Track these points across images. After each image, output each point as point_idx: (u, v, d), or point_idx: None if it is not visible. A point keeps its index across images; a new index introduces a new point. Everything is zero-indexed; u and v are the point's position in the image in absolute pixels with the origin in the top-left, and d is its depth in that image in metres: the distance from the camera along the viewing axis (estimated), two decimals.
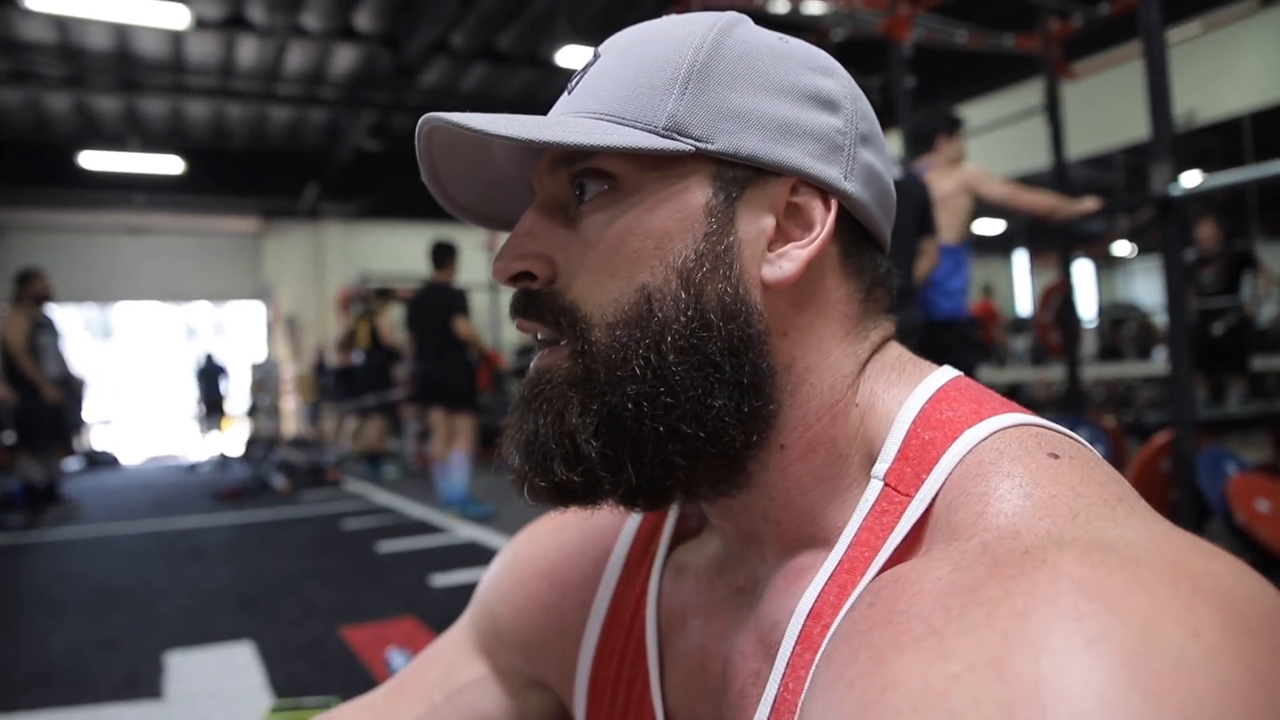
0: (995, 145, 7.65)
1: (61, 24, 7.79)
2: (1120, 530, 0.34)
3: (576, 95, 0.49)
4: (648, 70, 0.47)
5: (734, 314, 0.46)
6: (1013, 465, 0.40)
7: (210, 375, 10.59)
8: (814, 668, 0.39)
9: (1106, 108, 7.22)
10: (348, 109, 10.03)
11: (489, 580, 0.69)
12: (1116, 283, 11.84)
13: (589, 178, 0.47)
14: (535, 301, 0.49)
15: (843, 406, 0.48)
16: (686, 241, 0.46)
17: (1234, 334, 5.62)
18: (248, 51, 8.78)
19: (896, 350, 0.51)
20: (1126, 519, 0.36)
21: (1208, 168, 7.50)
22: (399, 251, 12.69)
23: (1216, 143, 8.00)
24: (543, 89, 9.82)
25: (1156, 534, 0.34)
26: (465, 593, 3.68)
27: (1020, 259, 11.35)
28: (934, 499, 0.41)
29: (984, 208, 3.65)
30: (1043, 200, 3.36)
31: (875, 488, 0.45)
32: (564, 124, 0.46)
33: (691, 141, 0.46)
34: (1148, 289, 11.77)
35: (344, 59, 9.10)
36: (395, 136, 10.94)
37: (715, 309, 0.45)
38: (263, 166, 11.50)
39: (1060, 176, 4.40)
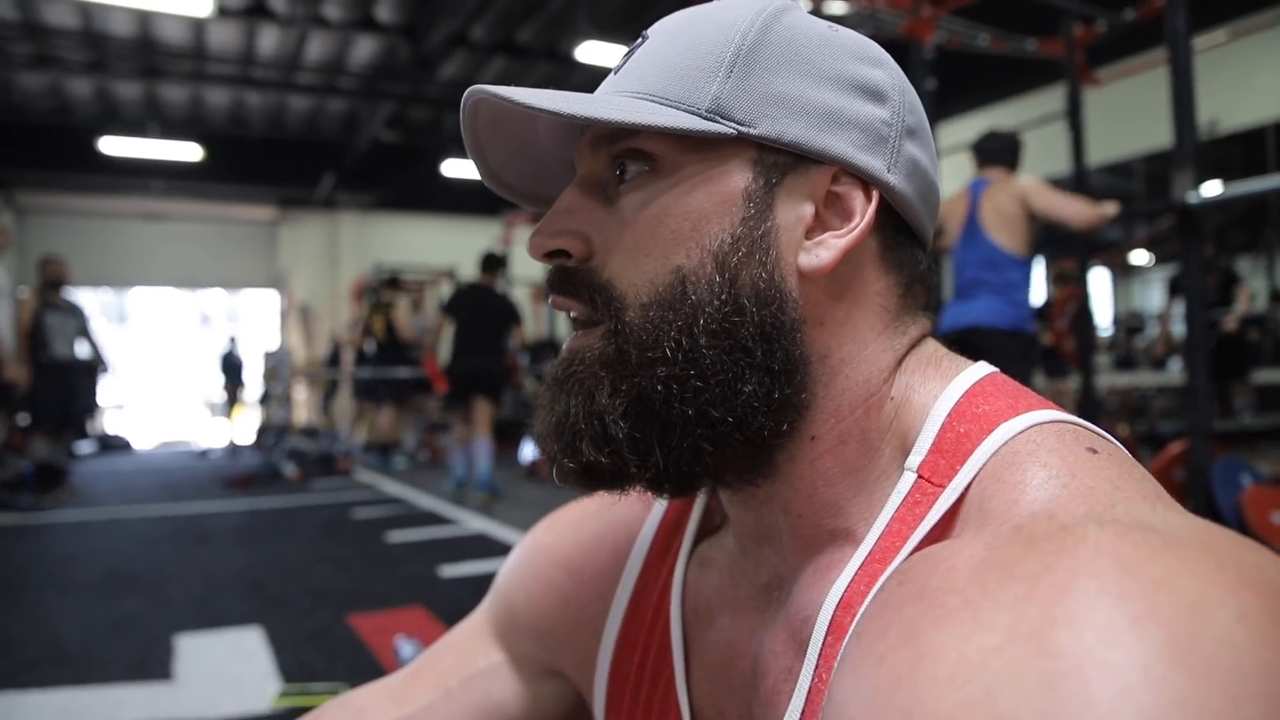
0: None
1: (84, 9, 7.83)
2: (1161, 518, 0.34)
3: (622, 75, 0.49)
4: (694, 53, 0.47)
5: (768, 300, 0.45)
6: (1050, 457, 0.40)
7: (233, 363, 10.64)
8: (843, 648, 0.39)
9: (1128, 115, 7.18)
10: (366, 100, 10.06)
11: (507, 569, 0.69)
12: (1134, 292, 11.76)
13: (630, 158, 0.47)
14: (571, 279, 0.49)
15: (877, 400, 0.47)
16: (724, 225, 0.46)
17: (1232, 343, 5.68)
18: (268, 40, 8.81)
19: (933, 346, 0.51)
20: (1166, 511, 0.35)
21: (1229, 178, 7.44)
22: (413, 243, 12.73)
23: (1239, 152, 7.95)
24: (562, 84, 9.82)
25: (1197, 523, 0.33)
26: (474, 584, 3.71)
27: (1038, 267, 11.30)
28: (967, 488, 0.41)
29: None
30: (1087, 212, 3.34)
31: (908, 479, 0.44)
32: (607, 102, 0.46)
33: (734, 125, 0.46)
34: (1164, 299, 11.67)
35: (364, 50, 9.12)
36: (413, 128, 10.97)
37: (749, 294, 0.45)
38: (280, 155, 11.54)
39: (1080, 183, 4.37)
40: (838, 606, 0.43)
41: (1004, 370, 0.50)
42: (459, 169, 10.87)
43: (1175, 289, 6.69)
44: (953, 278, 3.70)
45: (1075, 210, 3.34)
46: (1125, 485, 0.37)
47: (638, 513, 0.63)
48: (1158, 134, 3.89)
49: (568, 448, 0.47)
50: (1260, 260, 10.55)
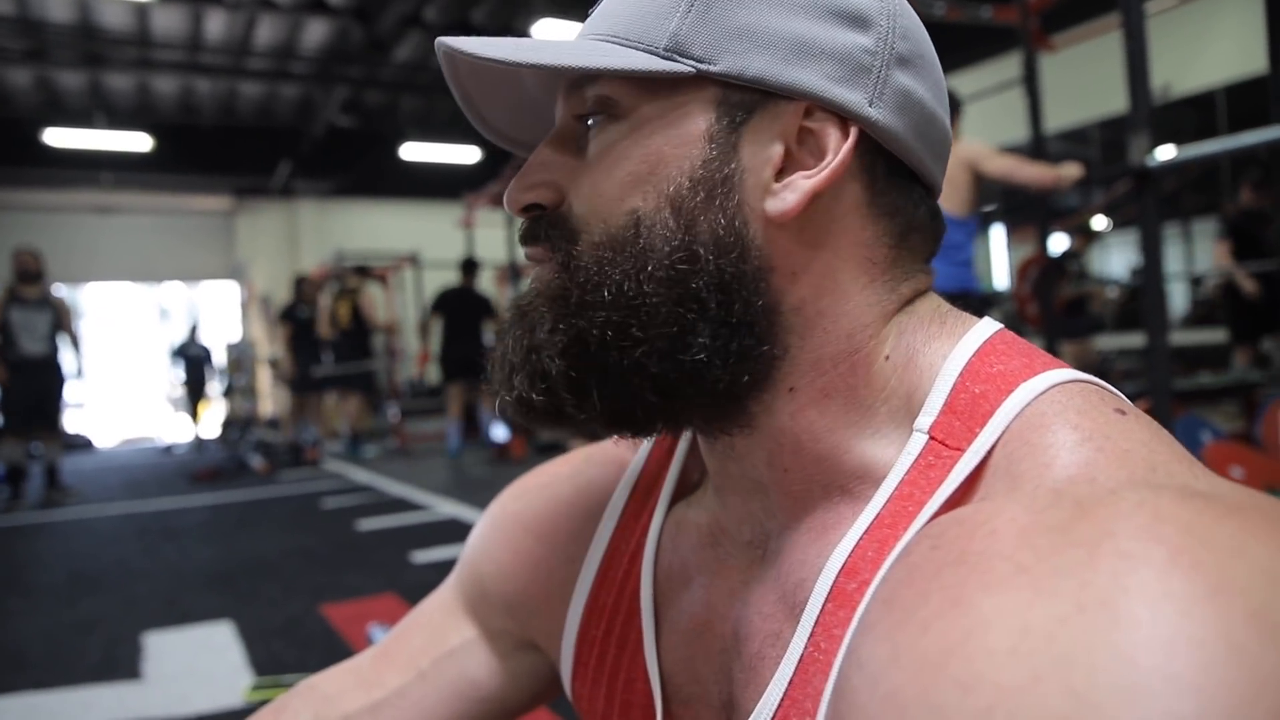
0: (975, 117, 7.65)
1: None
2: (1207, 484, 0.32)
3: (594, 16, 0.47)
4: None
5: (726, 248, 0.43)
6: (1079, 418, 0.37)
7: (194, 355, 10.37)
8: (859, 617, 0.37)
9: (1082, 81, 7.24)
10: (320, 84, 9.87)
11: (474, 538, 0.66)
12: (1093, 256, 11.93)
13: (595, 103, 0.45)
14: (538, 224, 0.47)
15: (863, 357, 0.44)
16: (682, 168, 0.43)
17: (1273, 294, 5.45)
18: (216, 25, 8.60)
19: (934, 302, 0.48)
20: (1206, 475, 0.34)
21: (1182, 142, 7.55)
22: (374, 230, 12.54)
23: (1191, 116, 8.06)
24: None
25: (1242, 489, 0.32)
26: (446, 569, 3.64)
27: (997, 233, 11.41)
28: (989, 452, 0.39)
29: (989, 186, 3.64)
30: (1045, 173, 3.34)
31: (919, 441, 0.42)
32: (557, 47, 0.44)
33: (692, 63, 0.43)
34: (1122, 263, 11.87)
35: (315, 33, 8.94)
36: (369, 113, 10.80)
37: (707, 241, 0.43)
38: (233, 143, 11.30)
39: (1038, 150, 4.40)
40: (840, 571, 0.41)
41: None
42: (418, 152, 10.73)
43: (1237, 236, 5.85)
44: None
45: (1034, 173, 3.35)
46: (1160, 449, 0.36)
47: (611, 475, 0.60)
48: (1113, 100, 3.93)
49: (506, 381, 0.46)
50: (1215, 223, 10.73)
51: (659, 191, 0.43)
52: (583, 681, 0.56)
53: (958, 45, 7.40)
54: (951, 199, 3.50)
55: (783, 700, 0.41)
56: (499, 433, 7.41)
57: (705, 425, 0.47)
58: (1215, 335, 7.09)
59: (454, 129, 10.60)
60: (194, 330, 9.63)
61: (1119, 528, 0.29)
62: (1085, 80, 7.16)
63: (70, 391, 6.47)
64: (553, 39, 0.45)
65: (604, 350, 0.43)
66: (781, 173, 0.44)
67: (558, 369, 0.44)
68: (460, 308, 7.21)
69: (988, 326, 0.45)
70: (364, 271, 8.99)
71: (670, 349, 0.43)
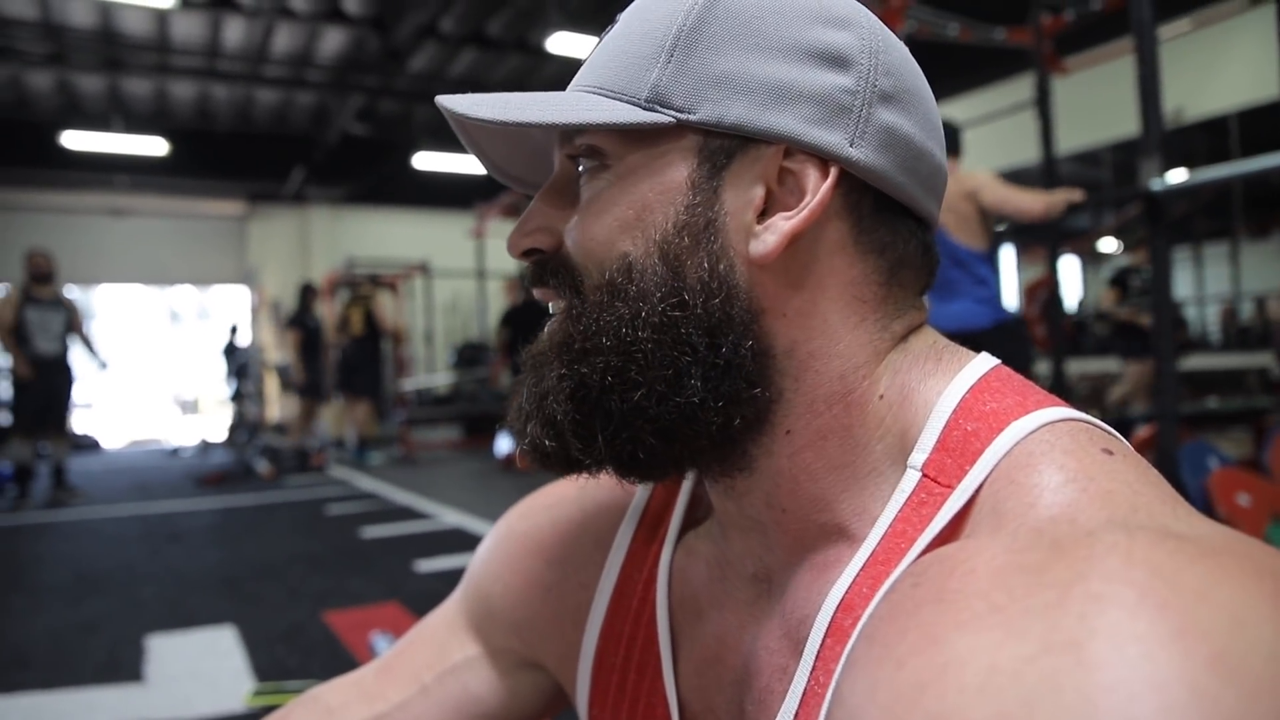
0: (987, 139, 7.66)
1: (43, 0, 7.68)
2: (1186, 525, 0.33)
3: (584, 68, 0.48)
4: (639, 38, 0.46)
5: (712, 291, 0.44)
6: (1065, 458, 0.38)
7: (236, 354, 10.21)
8: (847, 653, 0.38)
9: (1096, 104, 7.25)
10: (335, 92, 9.94)
11: (481, 557, 0.67)
12: (1103, 279, 11.90)
13: (585, 154, 0.47)
14: (543, 267, 0.49)
15: (858, 397, 0.45)
16: (668, 214, 0.44)
17: None
18: (234, 32, 8.67)
19: (930, 338, 0.48)
20: (1188, 517, 0.34)
21: (1194, 166, 7.55)
22: (386, 237, 12.60)
23: (1204, 141, 8.06)
24: (532, 75, 9.75)
25: (1221, 530, 0.33)
26: (450, 578, 3.67)
27: (1007, 254, 11.40)
28: (978, 490, 0.39)
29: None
30: (1034, 203, 3.33)
31: (912, 478, 0.42)
32: (544, 102, 0.45)
33: (672, 113, 0.44)
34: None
35: (332, 42, 9.00)
36: (383, 121, 10.86)
37: (693, 286, 0.44)
38: (248, 149, 11.37)
39: (1049, 172, 4.41)
40: (838, 608, 0.42)
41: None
42: (430, 162, 10.78)
43: None
44: None
45: (1025, 202, 3.35)
46: (1144, 490, 0.36)
47: (617, 498, 0.61)
48: (1125, 123, 3.93)
49: (521, 428, 0.48)
50: (1226, 248, 10.71)
51: (647, 238, 0.45)
52: (601, 706, 0.57)
53: (971, 66, 7.42)
54: (965, 232, 3.50)
55: None
56: (504, 444, 7.42)
57: (706, 468, 0.48)
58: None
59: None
60: (234, 331, 9.52)
61: (1091, 569, 0.30)
62: (1098, 103, 7.17)
63: (79, 392, 6.51)
64: (544, 94, 0.47)
65: (606, 395, 0.45)
66: (763, 214, 0.44)
67: (564, 414, 0.45)
68: (526, 321, 7.62)
69: (984, 363, 0.45)
70: (376, 280, 9.04)
71: (667, 392, 0.44)
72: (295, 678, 2.43)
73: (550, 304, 0.49)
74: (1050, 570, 0.30)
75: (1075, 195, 3.32)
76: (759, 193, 0.44)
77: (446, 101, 0.45)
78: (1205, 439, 3.67)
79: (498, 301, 11.93)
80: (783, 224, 0.44)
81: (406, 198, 12.34)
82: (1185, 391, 5.75)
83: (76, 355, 6.21)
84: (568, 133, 0.47)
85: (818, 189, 0.44)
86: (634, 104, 0.44)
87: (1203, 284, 11.46)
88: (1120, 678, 0.26)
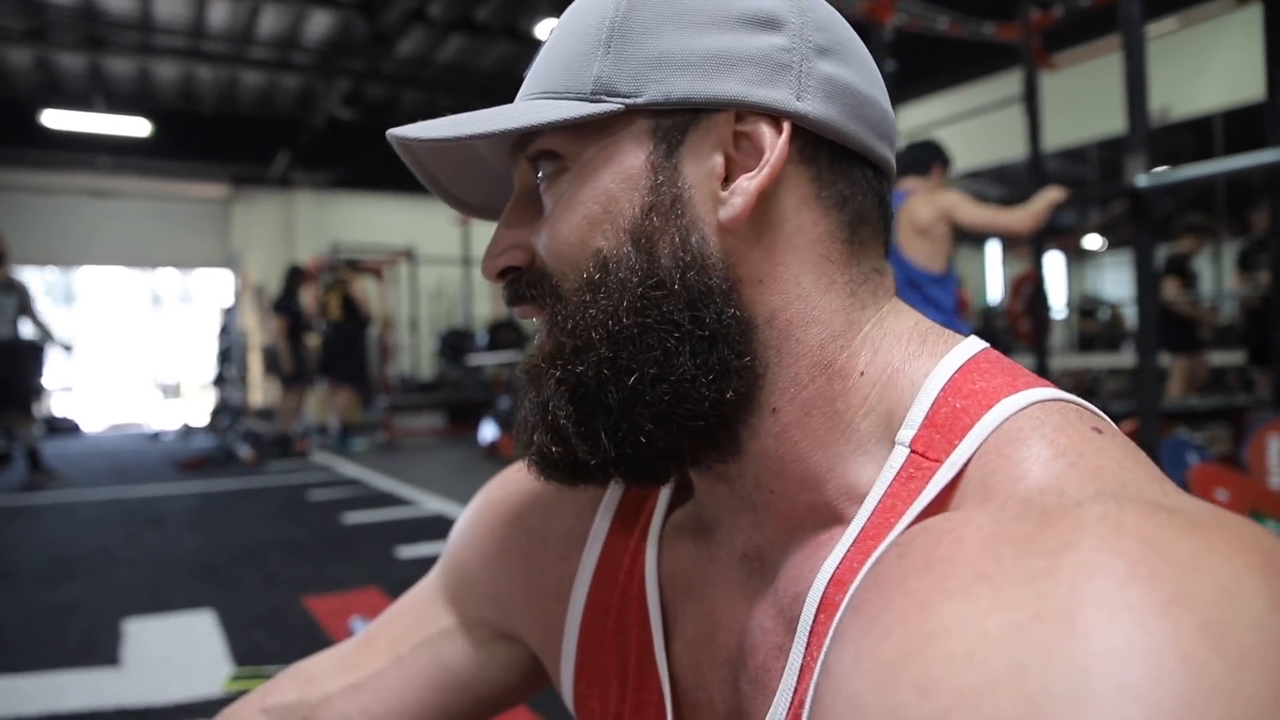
0: (975, 134, 7.68)
1: None
2: (1175, 501, 0.33)
3: (527, 79, 0.50)
4: (575, 38, 0.47)
5: (687, 265, 0.44)
6: (1055, 434, 0.38)
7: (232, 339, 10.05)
8: (835, 624, 0.38)
9: (1083, 101, 7.28)
10: (321, 76, 9.85)
11: (460, 528, 0.67)
12: (1086, 276, 11.98)
13: (543, 159, 0.48)
14: (520, 284, 0.49)
15: (838, 370, 0.45)
16: (633, 200, 0.45)
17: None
18: (218, 12, 8.57)
19: (911, 317, 0.48)
20: (1176, 493, 0.34)
21: (1179, 165, 7.59)
22: (371, 223, 12.52)
23: (1189, 140, 8.10)
24: (521, 62, 9.70)
25: (1210, 506, 0.33)
26: (431, 565, 3.63)
27: (992, 249, 11.46)
28: (966, 464, 0.39)
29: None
30: (1022, 217, 3.33)
31: (900, 454, 0.42)
32: (493, 114, 0.46)
33: (618, 99, 0.45)
34: (1116, 283, 11.92)
35: (319, 24, 8.92)
36: (370, 106, 10.77)
37: (668, 264, 0.44)
38: (233, 132, 11.25)
39: (1036, 167, 4.42)
40: (829, 583, 0.42)
41: None
42: None
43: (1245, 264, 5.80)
44: None
45: (1011, 221, 3.35)
46: (1132, 467, 0.36)
47: None
48: (1112, 120, 3.94)
49: (527, 440, 0.49)
50: (1208, 246, 10.76)
51: (617, 228, 0.45)
52: (589, 681, 0.57)
53: (959, 61, 7.43)
54: (926, 254, 3.47)
55: (789, 711, 0.42)
56: (488, 432, 7.40)
57: (703, 455, 0.48)
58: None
59: None
60: (229, 313, 9.34)
61: (1081, 539, 0.30)
62: (1085, 99, 7.20)
63: (46, 375, 6.42)
64: (492, 109, 0.48)
65: (602, 387, 0.45)
66: (726, 180, 0.45)
67: (567, 417, 0.46)
68: None
69: (972, 345, 0.46)
70: (354, 265, 8.94)
71: (660, 373, 0.44)
72: (274, 663, 2.41)
73: (534, 319, 0.50)
74: (1039, 539, 0.30)
75: (1057, 195, 3.33)
76: (718, 160, 0.45)
77: (398, 132, 0.46)
78: (1185, 434, 3.71)
79: (483, 289, 11.88)
80: (747, 184, 0.44)
81: (392, 184, 12.25)
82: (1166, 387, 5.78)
83: (38, 338, 6.11)
84: (522, 143, 0.48)
85: (774, 145, 0.44)
86: (580, 99, 0.45)
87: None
88: (1112, 646, 0.26)
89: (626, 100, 0.45)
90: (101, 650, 2.57)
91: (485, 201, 0.56)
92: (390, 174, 11.82)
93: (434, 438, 9.58)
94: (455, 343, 11.00)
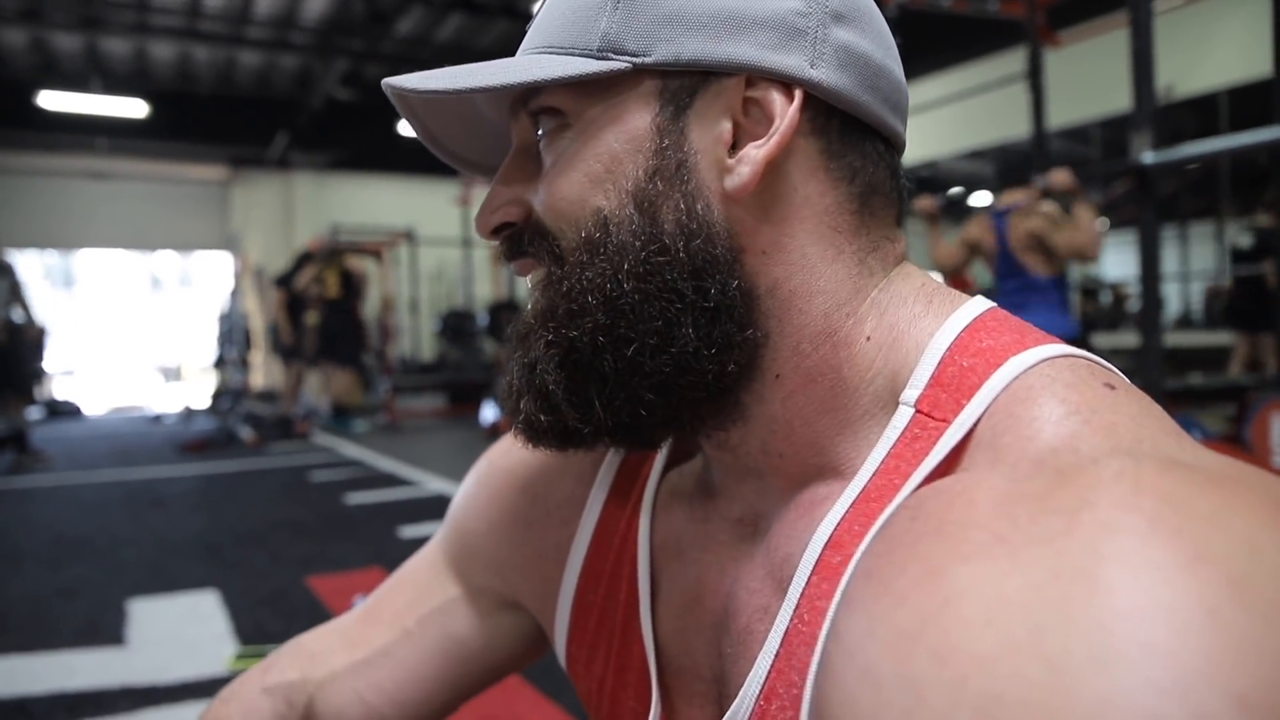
0: (978, 112, 7.63)
1: None
2: (1192, 456, 0.32)
3: (531, 31, 0.48)
4: None
5: (692, 233, 0.43)
6: (1066, 391, 0.37)
7: (236, 322, 9.97)
8: (842, 591, 0.37)
9: (1084, 79, 7.23)
10: (320, 56, 9.77)
11: (462, 495, 0.66)
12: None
13: (544, 115, 0.46)
14: (518, 240, 0.48)
15: (844, 337, 0.44)
16: (637, 162, 0.44)
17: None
18: None
19: (919, 279, 0.47)
20: (1193, 448, 0.33)
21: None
22: (370, 204, 12.47)
23: (1192, 119, 8.06)
24: (520, 41, 9.62)
25: (1230, 460, 0.32)
26: None
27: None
28: (975, 424, 0.38)
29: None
30: (1089, 236, 3.47)
31: (905, 414, 0.41)
32: (494, 68, 0.45)
33: (626, 58, 0.43)
34: (1117, 264, 11.89)
35: (316, 3, 8.85)
36: (368, 86, 10.70)
37: (672, 230, 0.43)
38: (231, 113, 11.18)
39: (1040, 147, 4.40)
40: (825, 546, 0.41)
41: None
42: (409, 127, 10.68)
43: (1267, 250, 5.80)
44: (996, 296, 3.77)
45: (1083, 241, 3.50)
46: (1147, 422, 0.35)
47: None
48: (1115, 99, 3.91)
49: (514, 406, 0.47)
50: (1212, 227, 10.76)
51: (619, 189, 0.44)
52: (580, 645, 0.57)
53: (964, 39, 7.37)
54: (1045, 264, 3.69)
55: (769, 673, 0.41)
56: (489, 413, 7.40)
57: (702, 422, 0.47)
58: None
59: None
60: (235, 295, 9.27)
61: (1099, 496, 0.29)
62: (1087, 77, 7.15)
63: (45, 359, 6.42)
64: (493, 61, 0.46)
65: (597, 355, 0.44)
66: (733, 148, 0.44)
67: (556, 383, 0.45)
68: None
69: (979, 304, 0.45)
70: (349, 248, 8.91)
71: (661, 343, 0.43)
72: (277, 642, 2.42)
73: (530, 275, 0.48)
74: (1054, 497, 0.30)
75: (1066, 178, 3.37)
76: (726, 126, 0.43)
77: (394, 82, 0.44)
78: (1189, 414, 3.70)
79: (484, 270, 11.84)
80: (755, 153, 0.43)
81: (391, 164, 12.19)
82: (1169, 367, 5.77)
83: (44, 320, 6.11)
84: (523, 98, 0.46)
85: (784, 113, 0.43)
86: (587, 55, 0.44)
87: (1188, 261, 11.53)
88: (1135, 604, 0.25)
89: (635, 59, 0.43)
90: (106, 630, 2.58)
91: (483, 158, 0.55)
92: (389, 155, 11.80)
93: (435, 419, 9.58)
94: (456, 324, 10.99)
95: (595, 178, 0.44)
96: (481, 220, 0.48)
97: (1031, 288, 3.64)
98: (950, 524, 0.31)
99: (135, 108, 10.03)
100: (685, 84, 0.44)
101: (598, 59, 0.43)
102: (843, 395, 0.44)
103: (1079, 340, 3.70)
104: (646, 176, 0.43)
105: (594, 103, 0.44)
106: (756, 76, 0.43)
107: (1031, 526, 0.29)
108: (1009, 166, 9.72)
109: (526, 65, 0.44)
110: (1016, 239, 3.68)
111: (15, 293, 5.97)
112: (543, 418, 0.45)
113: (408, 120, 0.50)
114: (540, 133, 0.46)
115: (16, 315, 5.97)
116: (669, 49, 0.43)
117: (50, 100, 9.67)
